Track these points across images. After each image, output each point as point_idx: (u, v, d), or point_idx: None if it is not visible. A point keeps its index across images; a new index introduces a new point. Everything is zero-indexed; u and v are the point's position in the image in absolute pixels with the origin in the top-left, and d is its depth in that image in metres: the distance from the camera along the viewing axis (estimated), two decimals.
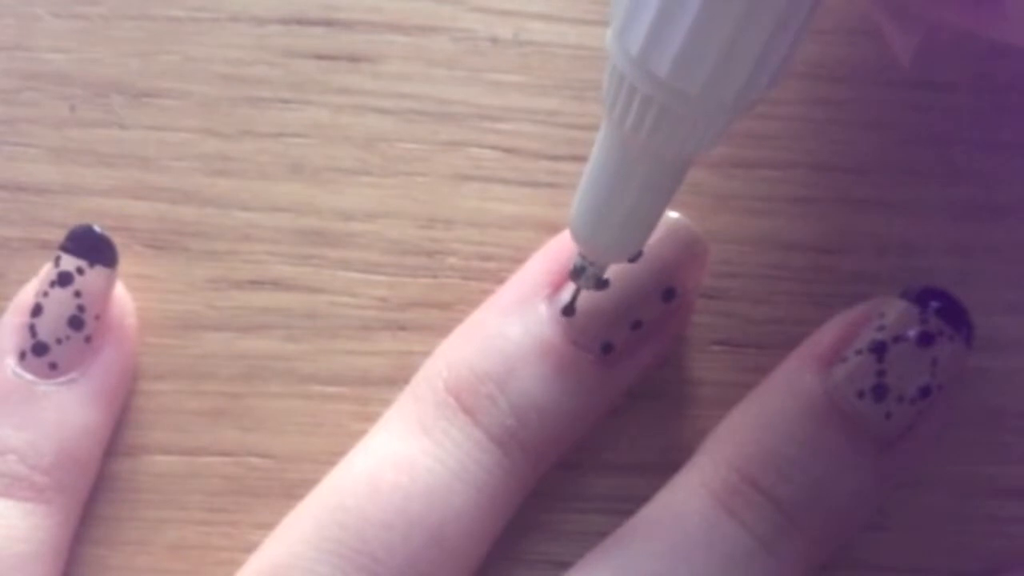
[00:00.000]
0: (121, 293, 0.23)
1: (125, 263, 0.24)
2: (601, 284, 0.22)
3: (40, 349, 0.22)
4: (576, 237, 0.21)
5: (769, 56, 0.16)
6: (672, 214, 0.22)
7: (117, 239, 0.24)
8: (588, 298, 0.22)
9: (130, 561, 0.23)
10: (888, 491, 0.22)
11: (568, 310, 0.22)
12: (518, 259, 0.24)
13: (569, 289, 0.22)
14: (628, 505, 0.22)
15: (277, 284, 0.24)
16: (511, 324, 0.22)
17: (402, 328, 0.24)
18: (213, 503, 0.24)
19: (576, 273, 0.21)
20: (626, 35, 0.17)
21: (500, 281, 0.24)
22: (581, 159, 0.24)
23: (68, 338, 0.22)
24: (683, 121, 0.17)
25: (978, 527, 0.23)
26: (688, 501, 0.22)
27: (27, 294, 0.23)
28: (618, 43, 0.17)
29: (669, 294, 0.22)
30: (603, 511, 0.23)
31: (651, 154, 0.18)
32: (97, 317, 0.23)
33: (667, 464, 0.23)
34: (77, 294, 0.22)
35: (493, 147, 0.25)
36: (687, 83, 0.17)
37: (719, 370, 0.24)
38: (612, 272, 0.22)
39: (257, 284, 0.24)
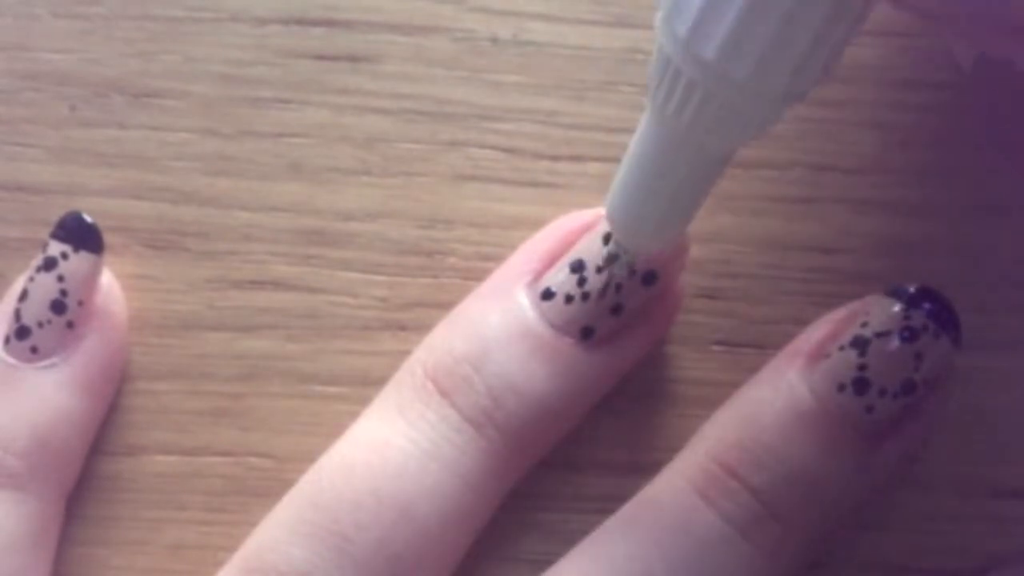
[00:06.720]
0: (110, 284, 0.24)
1: (125, 263, 0.24)
2: (633, 272, 0.22)
3: (22, 333, 0.22)
4: (612, 224, 0.21)
5: (818, 49, 0.16)
6: None
7: (117, 239, 0.24)
8: (567, 281, 0.22)
9: (130, 561, 0.23)
10: (880, 487, 0.22)
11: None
12: None
13: (550, 276, 0.22)
14: None
15: (277, 284, 0.24)
16: (490, 309, 0.22)
17: (402, 328, 0.24)
18: (213, 503, 0.24)
19: (610, 260, 0.21)
20: (674, 17, 0.17)
21: None
22: (581, 159, 0.24)
23: (50, 322, 0.22)
24: (727, 109, 0.17)
25: (978, 527, 0.23)
26: (667, 490, 0.22)
27: (19, 282, 0.23)
28: (666, 24, 0.17)
29: (649, 278, 0.22)
30: (603, 511, 0.22)
31: (693, 143, 0.18)
32: (80, 303, 0.23)
33: (666, 464, 0.23)
34: (60, 278, 0.23)
35: (493, 147, 0.25)
36: (734, 69, 0.16)
37: (719, 370, 0.24)
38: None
39: (257, 284, 0.24)
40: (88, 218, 0.23)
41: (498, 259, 0.24)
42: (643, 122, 0.19)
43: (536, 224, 0.24)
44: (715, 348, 0.24)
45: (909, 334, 0.21)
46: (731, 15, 0.16)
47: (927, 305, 0.22)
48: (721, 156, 0.19)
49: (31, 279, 0.23)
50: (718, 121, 0.17)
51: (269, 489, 0.23)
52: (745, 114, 0.17)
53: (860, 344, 0.21)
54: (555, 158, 0.25)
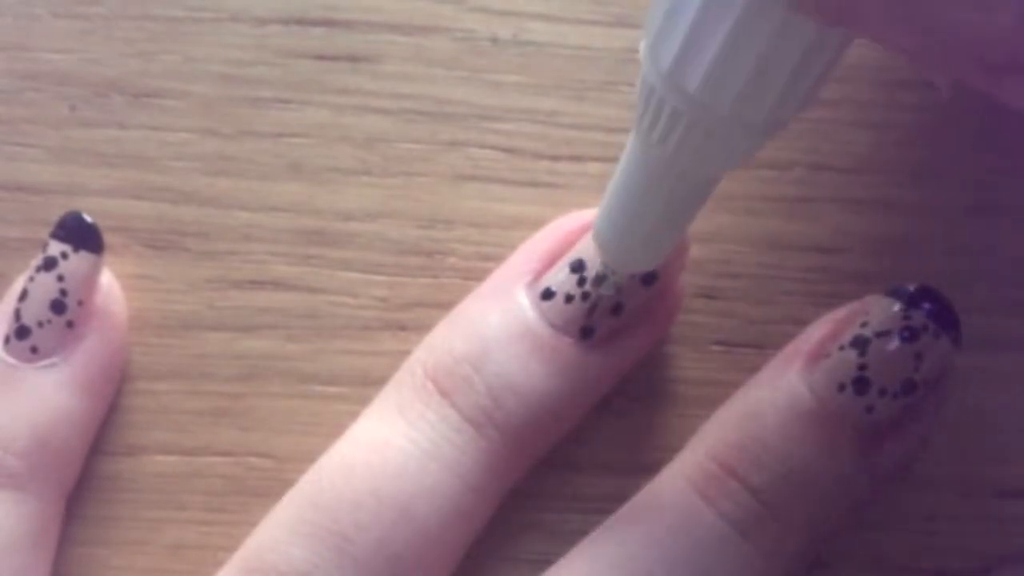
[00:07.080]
0: (110, 284, 0.24)
1: (125, 263, 0.24)
2: (620, 291, 0.22)
3: (22, 332, 0.22)
4: (600, 246, 0.21)
5: (799, 81, 0.16)
6: None
7: (117, 239, 0.24)
8: (567, 281, 0.22)
9: (130, 561, 0.23)
10: (880, 487, 0.22)
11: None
12: None
13: (550, 276, 0.22)
14: None
15: (277, 284, 0.24)
16: (490, 309, 0.22)
17: (402, 328, 0.24)
18: (213, 503, 0.24)
19: (598, 281, 0.22)
20: (658, 48, 0.17)
21: None
22: (581, 159, 0.24)
23: (49, 322, 0.22)
24: (710, 138, 0.17)
25: (978, 527, 0.23)
26: (667, 490, 0.22)
27: (19, 282, 0.23)
28: (650, 55, 0.17)
29: (649, 278, 0.22)
30: (603, 511, 0.22)
31: (677, 169, 0.19)
32: (80, 303, 0.23)
33: (666, 465, 0.23)
34: (60, 278, 0.23)
35: (493, 147, 0.25)
36: (716, 100, 0.17)
37: (719, 370, 0.24)
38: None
39: (257, 284, 0.24)
40: (88, 218, 0.23)
41: (498, 259, 0.24)
42: (629, 147, 0.19)
43: (536, 224, 0.24)
44: (715, 348, 0.24)
45: (909, 334, 0.21)
46: (713, 48, 0.16)
47: (927, 305, 0.22)
48: (706, 182, 0.19)
49: (31, 279, 0.23)
50: (702, 150, 0.18)
51: (269, 489, 0.23)
52: (728, 143, 0.18)
53: (860, 344, 0.21)
54: (555, 158, 0.25)
